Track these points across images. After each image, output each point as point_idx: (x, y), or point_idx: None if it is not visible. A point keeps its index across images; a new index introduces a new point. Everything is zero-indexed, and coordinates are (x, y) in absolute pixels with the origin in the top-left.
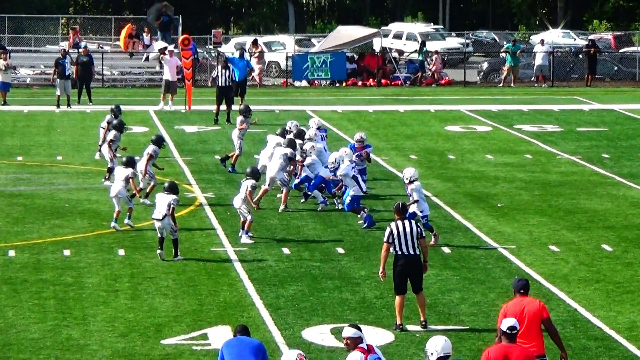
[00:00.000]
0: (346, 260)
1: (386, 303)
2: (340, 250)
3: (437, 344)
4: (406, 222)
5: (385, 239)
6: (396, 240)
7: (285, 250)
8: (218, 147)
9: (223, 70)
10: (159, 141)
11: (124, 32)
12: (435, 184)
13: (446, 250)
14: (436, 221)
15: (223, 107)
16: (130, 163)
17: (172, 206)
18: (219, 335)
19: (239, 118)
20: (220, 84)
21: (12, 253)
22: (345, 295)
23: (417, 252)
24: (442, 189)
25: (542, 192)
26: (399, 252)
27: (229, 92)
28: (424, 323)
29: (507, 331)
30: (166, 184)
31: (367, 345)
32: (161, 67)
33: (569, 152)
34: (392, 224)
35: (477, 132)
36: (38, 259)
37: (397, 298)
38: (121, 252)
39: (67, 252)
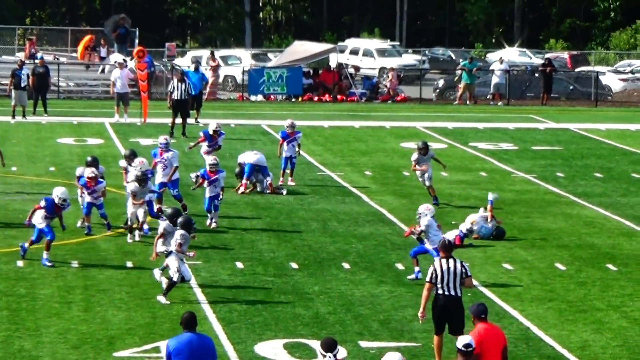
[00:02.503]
0: (300, 275)
1: (339, 319)
2: (294, 265)
3: None
4: (451, 260)
5: (428, 279)
6: (439, 280)
7: (239, 265)
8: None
9: (179, 84)
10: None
11: (82, 43)
12: (390, 201)
13: (400, 267)
14: (390, 238)
15: (179, 120)
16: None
17: (178, 242)
18: None
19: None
20: (176, 97)
21: None
22: (299, 310)
23: (459, 294)
24: (397, 205)
25: (496, 210)
26: (439, 292)
27: (185, 105)
28: None
29: (463, 349)
30: (181, 219)
31: None
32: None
33: (524, 170)
34: (437, 262)
35: (433, 149)
36: None
37: (436, 338)
38: (74, 263)
39: (20, 263)
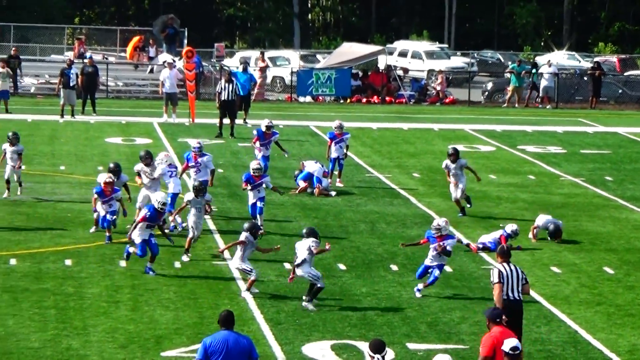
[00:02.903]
0: (347, 277)
1: (386, 320)
2: (342, 266)
3: None
4: (512, 265)
5: (496, 280)
6: (505, 283)
7: (287, 266)
8: (221, 161)
9: (226, 84)
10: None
11: (131, 44)
12: (438, 203)
13: (448, 269)
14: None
15: (227, 120)
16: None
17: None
18: None
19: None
20: (223, 98)
21: (13, 262)
22: (346, 312)
23: (521, 298)
24: (445, 207)
25: (544, 213)
26: (504, 297)
27: (233, 106)
28: None
29: (510, 352)
30: (305, 230)
31: None
32: None
33: (572, 173)
34: (499, 266)
35: (481, 151)
36: (39, 268)
37: None
38: (122, 263)
39: (68, 262)
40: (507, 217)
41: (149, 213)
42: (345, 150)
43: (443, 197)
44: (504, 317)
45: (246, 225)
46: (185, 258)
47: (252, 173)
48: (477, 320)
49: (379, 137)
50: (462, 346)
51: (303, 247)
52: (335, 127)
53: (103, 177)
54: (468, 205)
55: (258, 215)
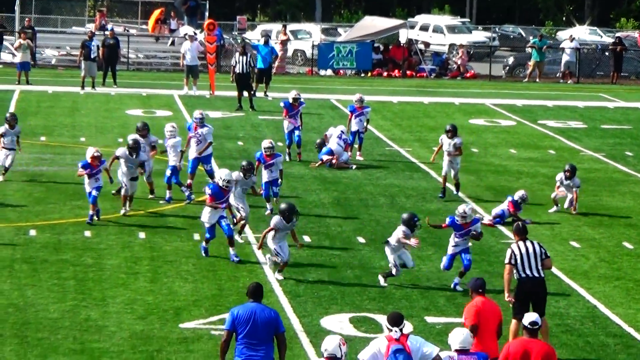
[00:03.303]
0: (366, 250)
1: (405, 294)
2: (361, 239)
3: (457, 337)
4: (528, 242)
5: (507, 261)
6: (519, 262)
7: (306, 239)
8: (241, 134)
9: (241, 57)
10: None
11: (153, 16)
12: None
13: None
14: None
15: (246, 94)
16: None
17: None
18: None
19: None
20: (238, 71)
21: (33, 232)
22: (365, 285)
23: (542, 275)
24: (465, 182)
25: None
26: (523, 275)
27: (247, 78)
28: None
29: (529, 326)
30: (405, 215)
31: (400, 335)
32: None
33: (592, 148)
34: (514, 245)
35: (501, 126)
36: (59, 239)
37: (514, 322)
38: (142, 234)
39: (87, 234)
40: (527, 191)
41: (211, 192)
42: (365, 124)
43: (463, 171)
44: (513, 297)
45: (281, 206)
46: (238, 238)
47: (263, 152)
48: (495, 295)
49: (400, 111)
50: None
51: (395, 234)
52: (355, 101)
53: (90, 152)
54: (455, 193)
55: (272, 199)
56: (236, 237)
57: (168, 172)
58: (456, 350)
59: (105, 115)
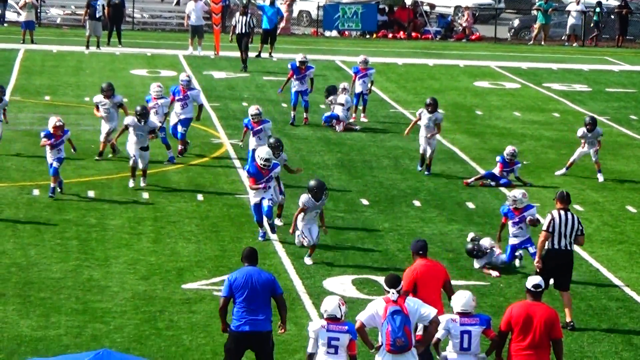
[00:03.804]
0: (370, 212)
1: (408, 256)
2: (365, 201)
3: (460, 299)
4: (569, 214)
5: (545, 228)
6: (556, 231)
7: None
8: (246, 94)
9: (241, 17)
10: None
11: None
12: (462, 139)
13: (470, 205)
14: (462, 176)
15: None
16: None
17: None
18: None
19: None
20: (238, 31)
21: (36, 192)
22: (368, 247)
23: (571, 248)
24: (469, 144)
25: (568, 151)
26: (554, 247)
27: (247, 38)
28: (571, 324)
29: (532, 289)
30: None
31: (397, 297)
32: None
33: (597, 112)
34: (555, 212)
35: (506, 88)
36: (62, 199)
37: None
38: (145, 195)
39: (91, 193)
40: (531, 154)
41: (250, 173)
42: (369, 86)
43: (468, 134)
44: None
45: (310, 183)
46: (278, 222)
47: (251, 119)
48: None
49: (405, 73)
50: (483, 282)
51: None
52: (360, 62)
53: (53, 121)
54: (426, 173)
55: None
56: (277, 221)
57: (162, 134)
58: (458, 313)
59: (110, 75)
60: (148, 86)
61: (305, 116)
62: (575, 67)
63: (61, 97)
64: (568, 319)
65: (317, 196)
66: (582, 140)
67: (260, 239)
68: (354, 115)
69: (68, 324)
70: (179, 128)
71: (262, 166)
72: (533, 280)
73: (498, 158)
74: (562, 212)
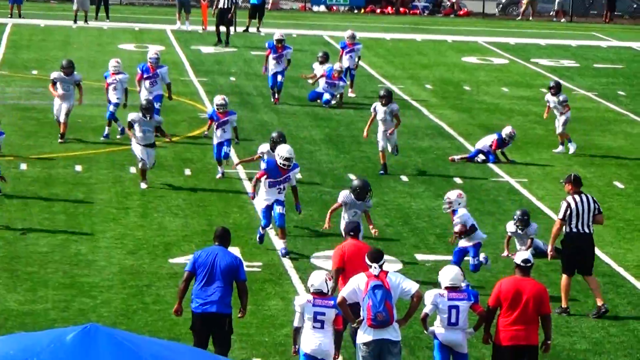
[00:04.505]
0: None
1: (396, 231)
2: (352, 176)
3: (448, 274)
4: (583, 196)
5: (561, 215)
6: (573, 216)
7: (297, 175)
8: (234, 69)
9: None
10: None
11: None
12: (450, 115)
13: (458, 180)
14: (449, 152)
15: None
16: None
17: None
18: None
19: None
20: (220, 6)
21: (23, 166)
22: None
23: (591, 231)
24: (457, 119)
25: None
26: (574, 230)
27: (228, 13)
28: (604, 307)
29: (522, 264)
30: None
31: (379, 272)
32: None
33: (584, 87)
34: (570, 198)
35: (494, 64)
36: (49, 174)
37: (565, 278)
38: (132, 169)
39: (78, 168)
40: (519, 130)
41: (266, 166)
42: (356, 61)
43: (455, 109)
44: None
45: (353, 182)
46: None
47: (216, 109)
48: (486, 232)
49: (392, 48)
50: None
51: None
52: (347, 37)
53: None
54: (381, 172)
55: (224, 160)
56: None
57: (111, 108)
58: (446, 288)
59: (98, 49)
60: (136, 61)
61: (277, 96)
62: (564, 42)
63: (49, 72)
64: (600, 303)
65: (360, 196)
66: (547, 105)
67: (258, 241)
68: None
69: (55, 298)
70: (155, 104)
71: (281, 165)
72: (522, 255)
73: (495, 136)
74: (577, 196)
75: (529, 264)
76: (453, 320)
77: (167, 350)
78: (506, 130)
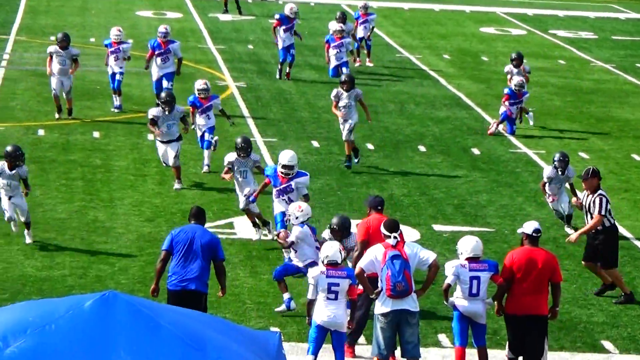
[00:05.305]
0: (375, 157)
1: (413, 201)
2: (370, 146)
3: (468, 244)
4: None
5: (603, 212)
6: (611, 210)
7: (315, 144)
8: (252, 37)
9: None
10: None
11: None
12: (468, 85)
13: (476, 151)
14: (467, 122)
15: None
16: None
17: None
18: (244, 225)
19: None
20: None
21: (41, 132)
22: (373, 192)
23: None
24: (475, 90)
25: (574, 98)
26: (614, 223)
27: None
28: (626, 295)
29: (533, 234)
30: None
31: (397, 242)
32: None
33: (603, 59)
34: (602, 192)
35: (512, 35)
36: (67, 140)
37: (615, 271)
38: (150, 136)
39: (96, 134)
40: (536, 101)
41: (267, 174)
42: (370, 31)
43: (472, 80)
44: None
45: (333, 220)
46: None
47: (197, 94)
48: (503, 204)
49: (410, 18)
50: (488, 229)
51: None
52: (360, 8)
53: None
54: (355, 160)
55: (205, 151)
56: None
57: (118, 77)
58: (467, 259)
59: (115, 15)
60: (154, 28)
61: (288, 70)
62: (582, 14)
63: None
64: (627, 291)
65: (335, 237)
66: (509, 77)
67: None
68: (358, 59)
69: (73, 264)
70: (165, 83)
71: (280, 174)
72: (532, 225)
73: (506, 90)
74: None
75: (539, 234)
76: (474, 291)
77: (186, 317)
78: (514, 82)
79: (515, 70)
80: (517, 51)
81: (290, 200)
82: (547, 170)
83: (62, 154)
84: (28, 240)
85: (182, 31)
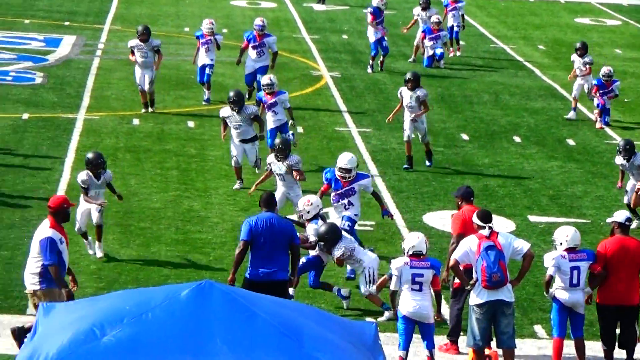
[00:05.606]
0: (470, 147)
1: (508, 192)
2: (465, 136)
3: (567, 234)
4: None
5: None
6: None
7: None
8: (346, 27)
9: None
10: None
11: None
12: (563, 76)
13: (571, 142)
14: (562, 113)
15: None
16: None
17: None
18: (333, 215)
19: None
20: None
21: (136, 122)
22: (468, 182)
23: None
24: (570, 81)
25: None
26: None
27: None
28: None
29: (626, 223)
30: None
31: (490, 232)
32: None
33: None
34: None
35: (607, 25)
36: (162, 129)
37: None
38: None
39: (191, 124)
40: (632, 92)
41: (326, 178)
42: (460, 19)
43: (568, 71)
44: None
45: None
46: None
47: (263, 90)
48: (599, 195)
49: (505, 8)
50: (584, 220)
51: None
52: None
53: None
54: (427, 164)
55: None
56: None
57: (208, 71)
58: (566, 249)
59: (210, 5)
60: (248, 18)
61: (382, 60)
62: None
63: (161, 27)
64: None
65: (324, 247)
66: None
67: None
68: (451, 48)
69: (168, 254)
70: (258, 77)
71: (339, 177)
72: (624, 213)
73: (594, 81)
74: None
75: (631, 223)
76: (575, 281)
77: (281, 307)
78: (601, 71)
79: (579, 60)
80: (582, 41)
81: (350, 204)
82: (618, 158)
83: (157, 143)
84: (99, 254)
85: (276, 21)
